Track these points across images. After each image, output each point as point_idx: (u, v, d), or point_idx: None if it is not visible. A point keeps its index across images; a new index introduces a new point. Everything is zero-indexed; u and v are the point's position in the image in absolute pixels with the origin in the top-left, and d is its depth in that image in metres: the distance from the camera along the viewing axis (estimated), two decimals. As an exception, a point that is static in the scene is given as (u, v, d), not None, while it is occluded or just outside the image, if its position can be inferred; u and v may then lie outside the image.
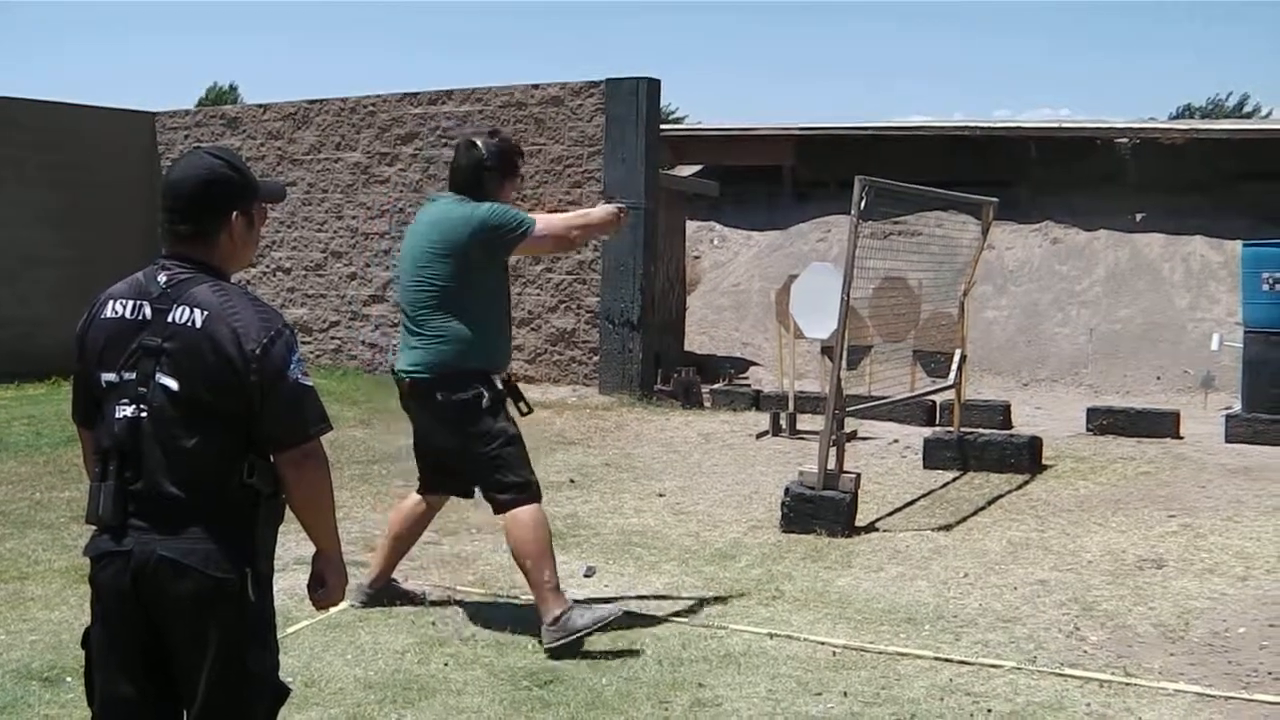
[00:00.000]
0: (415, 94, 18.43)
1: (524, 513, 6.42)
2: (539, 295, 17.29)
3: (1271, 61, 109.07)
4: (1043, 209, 20.91)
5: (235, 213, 3.68)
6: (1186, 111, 55.03)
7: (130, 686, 3.54)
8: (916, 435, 12.60)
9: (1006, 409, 14.34)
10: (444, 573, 7.69)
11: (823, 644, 6.37)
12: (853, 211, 8.88)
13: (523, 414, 6.67)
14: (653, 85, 16.46)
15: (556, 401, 15.60)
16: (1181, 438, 13.44)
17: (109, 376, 3.57)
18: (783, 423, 13.53)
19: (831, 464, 9.03)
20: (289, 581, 7.18)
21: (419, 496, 7.00)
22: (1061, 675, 5.94)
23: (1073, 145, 21.79)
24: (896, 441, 12.96)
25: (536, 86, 17.36)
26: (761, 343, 19.06)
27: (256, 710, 3.64)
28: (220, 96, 57.13)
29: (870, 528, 9.03)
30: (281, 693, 3.72)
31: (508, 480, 6.45)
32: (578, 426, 13.83)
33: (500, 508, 6.48)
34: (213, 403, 3.49)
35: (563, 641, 6.14)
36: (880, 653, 6.23)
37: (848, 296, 9.09)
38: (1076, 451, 12.45)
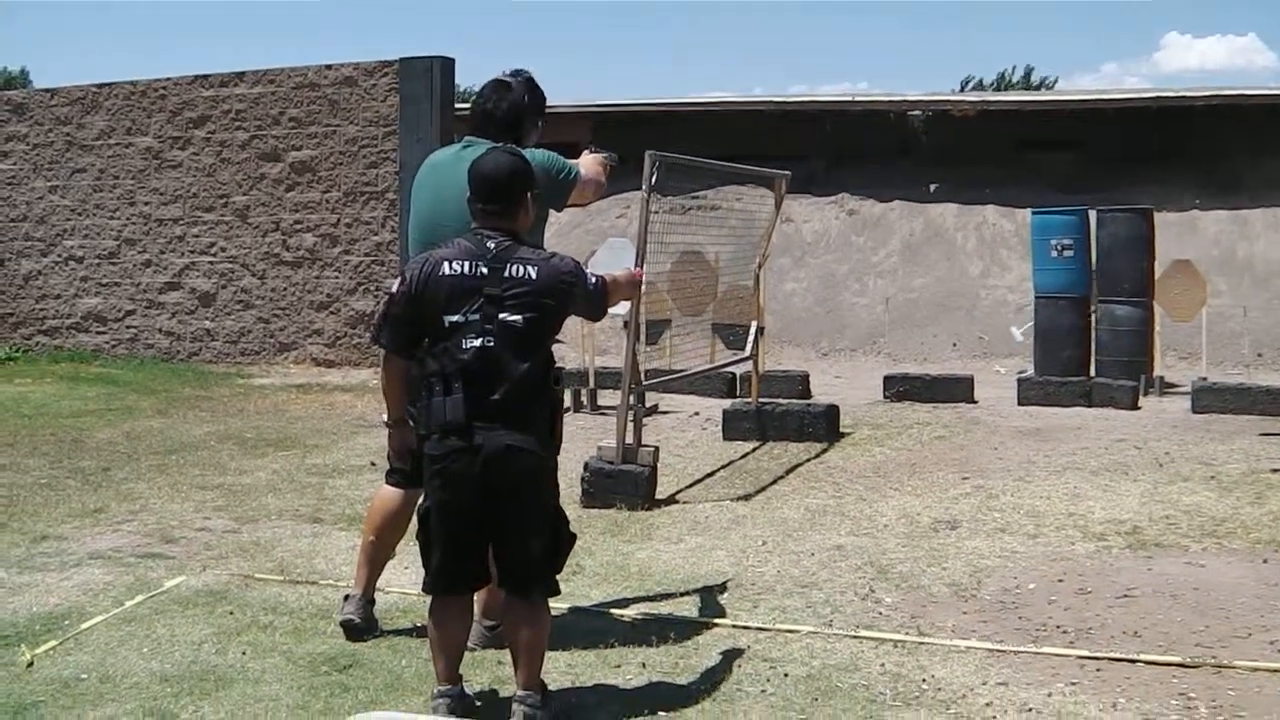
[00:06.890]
0: (207, 76, 18.14)
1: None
2: (337, 278, 17.14)
3: (1056, 34, 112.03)
4: (839, 182, 21.18)
5: (528, 194, 5.08)
6: (966, 84, 55.95)
7: (465, 539, 4.94)
8: (717, 407, 12.69)
9: (805, 379, 14.55)
10: (242, 560, 7.57)
11: (622, 617, 6.40)
12: (644, 186, 8.96)
13: None
14: (446, 64, 16.39)
15: (358, 385, 15.48)
16: (976, 402, 13.78)
17: (454, 318, 4.80)
18: (584, 399, 13.57)
19: (630, 438, 9.08)
20: (83, 577, 7.05)
21: (400, 490, 6.12)
22: (857, 637, 6.02)
23: (866, 118, 22.09)
24: (697, 414, 13.08)
25: (329, 67, 17.20)
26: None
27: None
28: (10, 81, 55.57)
29: (670, 500, 9.10)
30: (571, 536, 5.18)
31: None
32: (379, 409, 13.66)
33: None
34: (544, 329, 4.94)
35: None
36: (678, 622, 6.27)
37: (642, 271, 9.14)
38: (873, 419, 12.68)
